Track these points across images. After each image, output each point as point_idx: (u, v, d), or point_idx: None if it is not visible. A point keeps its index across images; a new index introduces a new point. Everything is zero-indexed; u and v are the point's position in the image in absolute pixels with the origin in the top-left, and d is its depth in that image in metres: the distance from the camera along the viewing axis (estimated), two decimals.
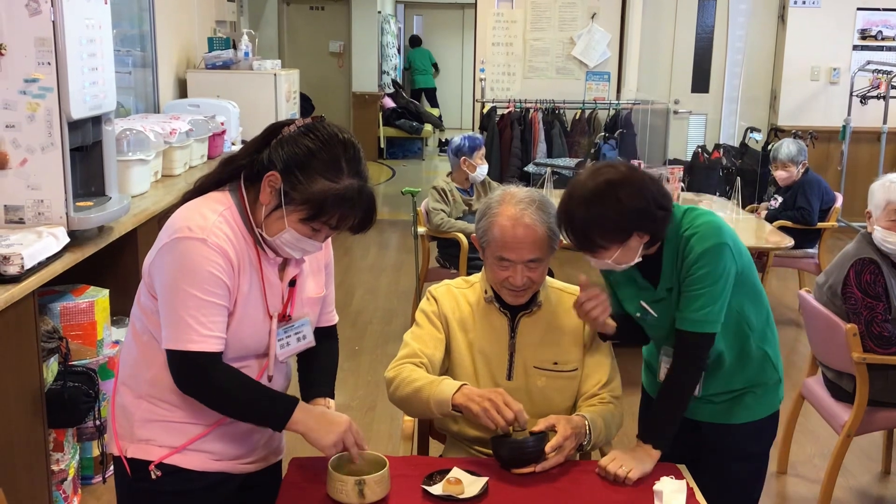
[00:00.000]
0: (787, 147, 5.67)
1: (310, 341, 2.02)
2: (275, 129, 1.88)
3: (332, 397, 2.08)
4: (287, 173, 1.80)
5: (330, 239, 1.99)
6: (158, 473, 1.89)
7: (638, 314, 2.30)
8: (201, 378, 1.82)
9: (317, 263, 2.05)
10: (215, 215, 1.83)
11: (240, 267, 1.84)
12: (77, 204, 3.26)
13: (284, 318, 1.95)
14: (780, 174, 5.69)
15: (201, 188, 1.92)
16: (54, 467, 3.19)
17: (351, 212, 1.82)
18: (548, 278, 2.39)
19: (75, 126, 3.20)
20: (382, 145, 12.79)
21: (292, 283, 1.96)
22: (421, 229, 5.27)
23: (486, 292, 2.36)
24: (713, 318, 2.14)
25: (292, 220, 1.82)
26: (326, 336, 2.13)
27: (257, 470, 2.04)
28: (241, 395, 1.85)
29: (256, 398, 1.87)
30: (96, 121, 3.39)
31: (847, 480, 3.67)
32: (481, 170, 5.24)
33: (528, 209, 2.23)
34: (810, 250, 5.66)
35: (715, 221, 2.17)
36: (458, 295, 2.40)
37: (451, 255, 5.24)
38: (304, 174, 1.79)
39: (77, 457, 3.36)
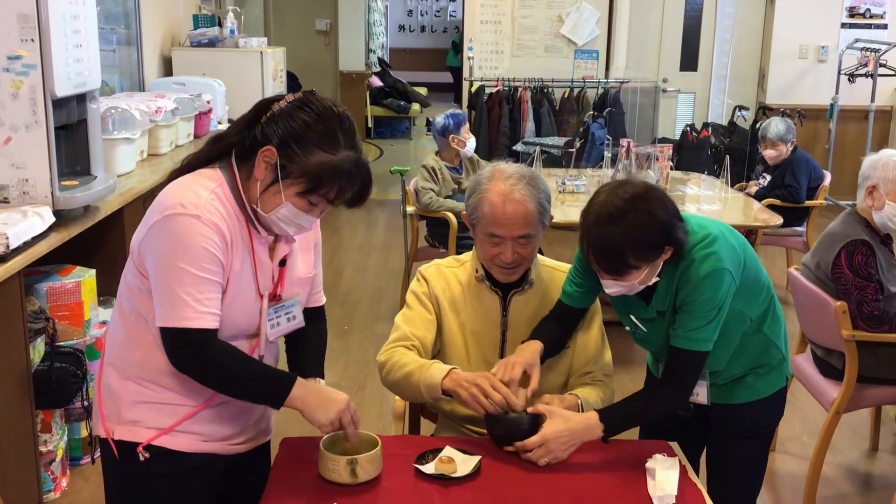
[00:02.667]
0: (775, 126, 5.67)
1: (299, 321, 2.00)
2: (264, 106, 1.85)
3: (322, 377, 2.06)
4: (283, 147, 1.78)
5: (316, 220, 1.96)
6: (146, 455, 1.86)
7: (628, 328, 2.29)
8: (198, 355, 1.80)
9: (306, 243, 2.03)
10: (207, 192, 1.80)
11: (233, 244, 1.82)
12: (62, 183, 3.22)
13: (275, 298, 1.94)
14: (769, 153, 5.69)
15: (189, 166, 1.89)
16: (42, 448, 3.17)
17: (349, 184, 1.81)
18: (539, 256, 2.38)
19: (60, 104, 3.15)
20: (370, 125, 12.71)
21: (283, 262, 1.94)
22: (410, 209, 5.24)
23: (476, 271, 2.35)
24: (706, 337, 2.09)
25: (289, 195, 1.80)
26: (314, 317, 2.11)
27: (246, 451, 2.03)
28: (239, 371, 1.84)
29: (255, 375, 1.86)
30: (81, 99, 3.35)
31: (835, 457, 3.69)
32: (470, 143, 5.23)
33: (519, 184, 2.21)
34: (798, 228, 5.67)
35: (713, 242, 2.08)
36: (449, 274, 2.39)
37: (441, 235, 5.22)
38: (300, 147, 1.77)
39: (65, 438, 3.33)
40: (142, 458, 1.86)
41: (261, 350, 1.94)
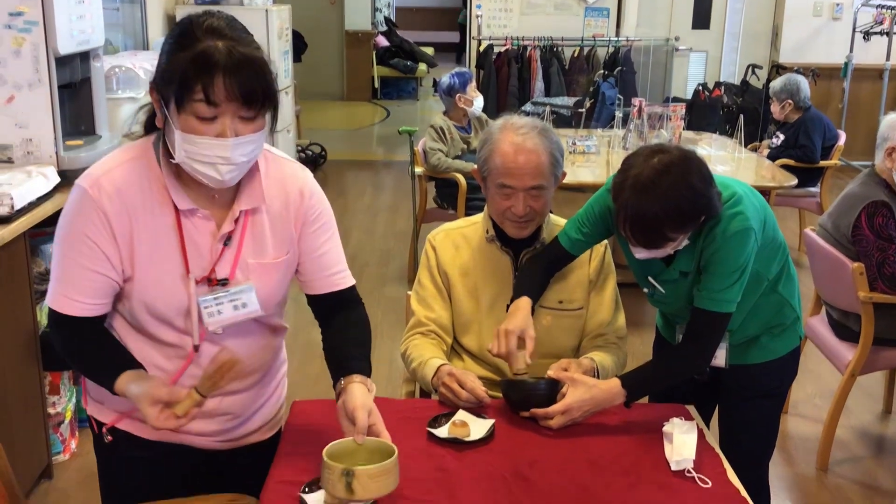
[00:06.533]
0: (778, 81, 5.68)
1: (252, 310, 1.73)
2: None
3: (363, 373, 1.75)
4: (157, 79, 1.60)
5: (315, 194, 1.79)
6: (109, 438, 1.83)
7: (645, 289, 2.24)
8: (55, 334, 1.72)
9: (282, 224, 1.77)
10: (116, 163, 1.67)
11: (131, 227, 1.65)
12: (67, 143, 3.17)
13: (214, 283, 1.71)
14: (773, 108, 5.68)
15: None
16: (51, 410, 3.16)
17: (213, 72, 1.52)
18: (550, 215, 2.33)
19: (63, 62, 3.10)
20: (376, 85, 12.60)
21: (227, 241, 1.72)
22: (418, 170, 5.19)
23: (487, 232, 2.30)
24: (731, 298, 2.04)
25: (175, 121, 1.57)
26: (340, 305, 1.86)
27: (231, 448, 1.90)
28: (84, 360, 1.74)
29: (95, 365, 1.73)
30: (84, 57, 3.29)
31: (848, 419, 3.66)
32: (478, 102, 5.15)
33: (531, 134, 2.17)
34: (812, 189, 5.60)
35: (739, 202, 2.03)
36: (458, 237, 2.35)
37: (449, 196, 5.16)
38: (165, 64, 1.57)
39: (73, 399, 3.32)
40: (106, 441, 1.83)
41: (195, 339, 1.73)
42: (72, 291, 1.66)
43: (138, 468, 1.85)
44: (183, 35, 1.57)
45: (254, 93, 1.56)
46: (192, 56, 1.53)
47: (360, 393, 1.69)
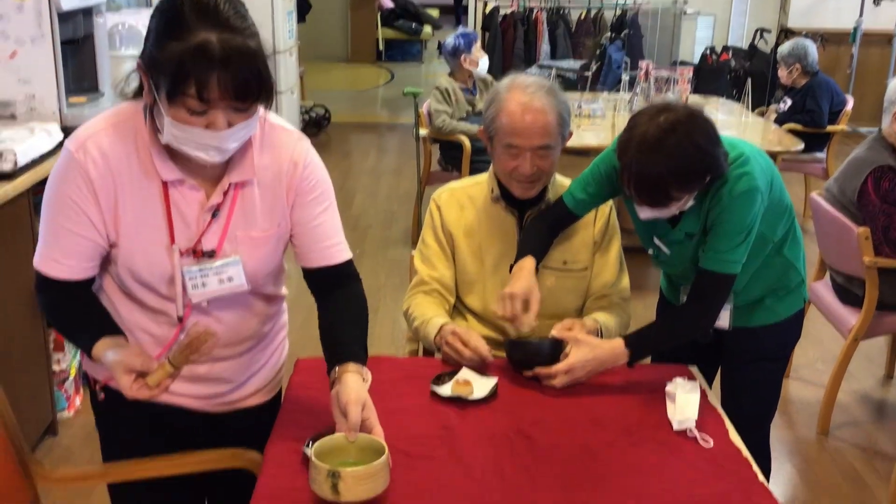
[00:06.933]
0: (786, 45, 5.63)
1: (238, 284, 1.69)
2: None
3: (359, 360, 1.69)
4: (146, 60, 1.52)
5: (310, 164, 1.73)
6: (101, 395, 1.82)
7: (650, 251, 2.23)
8: (38, 295, 1.70)
9: (273, 196, 1.71)
10: (103, 126, 1.62)
11: (116, 193, 1.61)
12: (70, 100, 3.16)
13: (200, 254, 1.67)
14: (780, 72, 5.65)
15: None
16: (55, 367, 3.17)
17: (207, 70, 1.44)
18: (556, 175, 2.32)
19: (66, 17, 3.07)
20: (381, 47, 12.50)
21: (215, 213, 1.66)
22: (423, 132, 5.16)
23: (492, 191, 2.29)
24: (736, 259, 2.03)
25: (164, 107, 1.51)
26: (336, 280, 1.79)
27: (226, 411, 1.88)
28: (66, 323, 1.73)
29: (76, 329, 1.71)
30: (87, 13, 3.27)
31: (850, 384, 3.67)
32: (483, 62, 5.11)
33: (538, 93, 2.15)
34: (818, 154, 5.57)
35: (746, 162, 2.01)
36: (463, 197, 2.33)
37: (454, 158, 5.14)
38: (155, 48, 1.49)
39: (78, 357, 3.33)
40: (99, 398, 1.83)
41: (179, 310, 1.70)
42: (57, 254, 1.64)
43: (134, 426, 1.85)
44: (174, 19, 1.47)
45: (249, 88, 1.49)
46: (184, 50, 1.44)
47: (354, 385, 1.63)
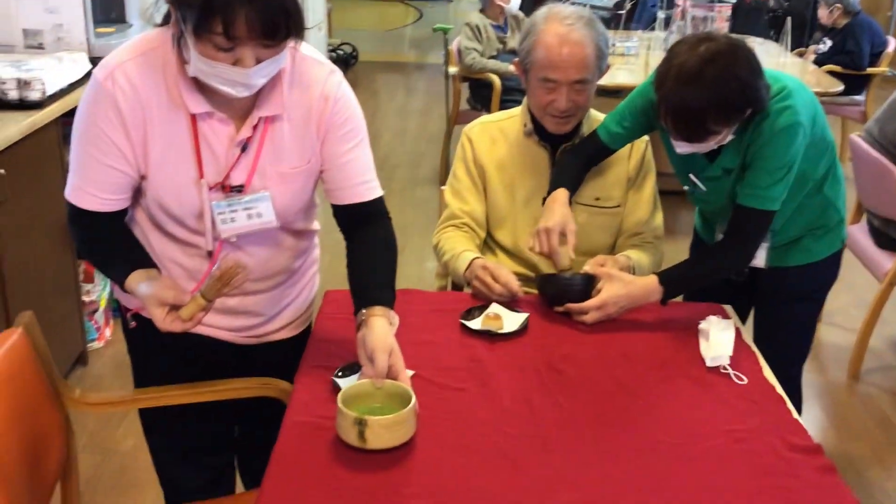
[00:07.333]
0: None
1: (267, 220, 1.68)
2: None
3: (386, 304, 1.65)
4: None
5: (341, 99, 1.68)
6: (133, 324, 1.82)
7: (686, 186, 2.17)
8: (71, 227, 1.69)
9: (303, 131, 1.67)
10: (132, 55, 1.58)
11: (145, 124, 1.58)
12: (97, 30, 3.12)
13: (228, 189, 1.65)
14: (821, 12, 5.50)
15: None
16: (85, 298, 3.19)
17: (234, 6, 1.41)
18: (591, 110, 2.26)
19: None
20: None
21: (244, 147, 1.64)
22: (452, 69, 5.09)
23: (525, 125, 2.24)
24: (776, 196, 1.98)
25: (193, 42, 1.47)
26: (366, 218, 1.76)
27: (256, 343, 1.88)
28: (97, 256, 1.72)
29: (108, 260, 1.70)
30: None
31: (883, 329, 3.61)
32: None
33: (576, 25, 2.09)
34: (857, 97, 5.45)
35: (789, 96, 1.95)
36: (495, 131, 2.29)
37: (484, 97, 5.07)
38: None
39: (108, 288, 3.35)
40: (130, 326, 1.82)
41: (208, 244, 1.69)
42: (88, 185, 1.62)
43: (165, 355, 1.85)
44: None
45: (276, 25, 1.45)
46: None
47: (380, 331, 1.60)
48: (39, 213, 2.81)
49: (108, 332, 3.36)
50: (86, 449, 2.75)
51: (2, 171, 2.52)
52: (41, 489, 1.61)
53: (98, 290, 3.25)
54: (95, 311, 3.27)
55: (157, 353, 1.87)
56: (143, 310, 1.72)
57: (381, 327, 1.61)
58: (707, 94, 1.82)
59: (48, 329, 2.84)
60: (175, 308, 1.56)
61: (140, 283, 1.60)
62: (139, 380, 1.96)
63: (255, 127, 1.63)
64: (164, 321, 1.56)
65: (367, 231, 1.76)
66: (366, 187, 1.75)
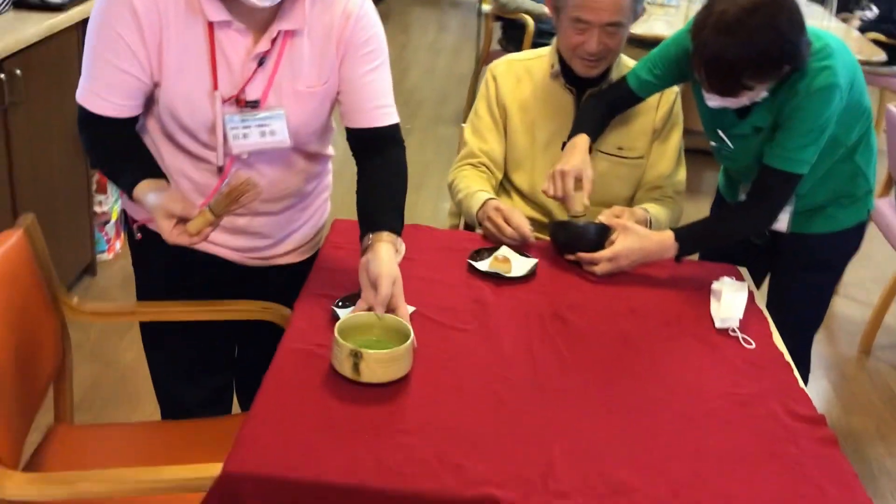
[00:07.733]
0: None
1: (280, 139, 1.64)
2: None
3: (394, 230, 1.63)
4: None
5: (364, 17, 1.64)
6: (139, 235, 1.79)
7: (713, 143, 2.10)
8: (81, 131, 1.65)
9: (323, 49, 1.63)
10: None
11: (161, 30, 1.55)
12: None
13: (242, 103, 1.61)
14: None
15: None
16: (97, 209, 3.18)
17: None
18: (622, 55, 2.19)
19: None
20: None
21: (261, 62, 1.60)
22: (486, 7, 4.98)
23: (552, 66, 2.17)
24: (806, 159, 1.91)
25: None
26: (380, 144, 1.72)
27: (262, 266, 1.85)
28: (108, 163, 1.68)
29: (120, 168, 1.65)
30: None
31: None
32: None
33: None
34: None
35: (830, 55, 1.87)
36: (521, 70, 2.22)
37: (515, 39, 4.96)
38: None
39: (120, 200, 3.33)
40: (137, 237, 1.79)
41: (219, 160, 1.65)
42: (100, 89, 1.59)
43: (169, 269, 1.84)
44: None
45: None
46: None
47: (386, 257, 1.57)
48: (55, 120, 2.78)
49: (117, 245, 3.36)
50: (87, 358, 2.76)
51: (18, 71, 2.48)
52: (33, 390, 1.60)
53: (111, 202, 3.24)
54: (107, 222, 3.26)
55: (161, 267, 1.85)
56: (150, 221, 1.71)
57: (386, 253, 1.58)
58: (746, 46, 1.74)
59: (56, 236, 2.85)
60: (183, 221, 1.53)
61: (148, 192, 1.57)
62: (141, 293, 1.94)
63: (273, 41, 1.59)
64: (172, 233, 1.53)
65: (379, 157, 1.73)
66: (382, 112, 1.71)
